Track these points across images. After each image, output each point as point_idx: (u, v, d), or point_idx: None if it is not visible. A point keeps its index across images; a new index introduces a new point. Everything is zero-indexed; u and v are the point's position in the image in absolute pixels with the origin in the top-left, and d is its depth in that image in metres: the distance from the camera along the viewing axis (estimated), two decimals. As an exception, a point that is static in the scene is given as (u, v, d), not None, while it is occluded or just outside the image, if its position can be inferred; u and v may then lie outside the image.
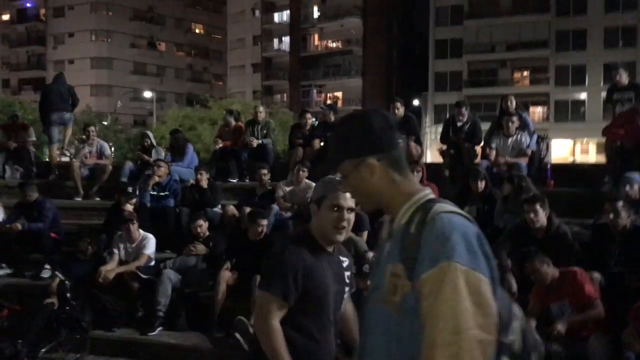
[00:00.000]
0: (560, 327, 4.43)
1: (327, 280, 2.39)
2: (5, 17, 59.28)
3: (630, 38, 38.78)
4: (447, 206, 1.41)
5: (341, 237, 2.40)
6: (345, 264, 2.57)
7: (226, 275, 6.27)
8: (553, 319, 4.57)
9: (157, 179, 8.05)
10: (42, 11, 57.96)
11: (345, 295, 2.56)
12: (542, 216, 5.27)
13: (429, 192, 1.51)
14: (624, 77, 8.01)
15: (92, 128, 9.64)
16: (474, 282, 1.29)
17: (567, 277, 4.65)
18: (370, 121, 1.51)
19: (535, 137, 8.07)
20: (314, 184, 7.66)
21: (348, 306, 2.68)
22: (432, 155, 29.83)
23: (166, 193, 8.12)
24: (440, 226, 1.34)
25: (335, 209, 2.36)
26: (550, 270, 4.69)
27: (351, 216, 2.41)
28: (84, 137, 9.76)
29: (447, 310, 1.27)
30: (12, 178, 9.64)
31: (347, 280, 2.55)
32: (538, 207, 5.27)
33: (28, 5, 58.17)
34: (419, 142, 8.69)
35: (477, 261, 1.32)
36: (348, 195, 2.34)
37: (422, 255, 1.34)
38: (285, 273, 2.32)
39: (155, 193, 8.08)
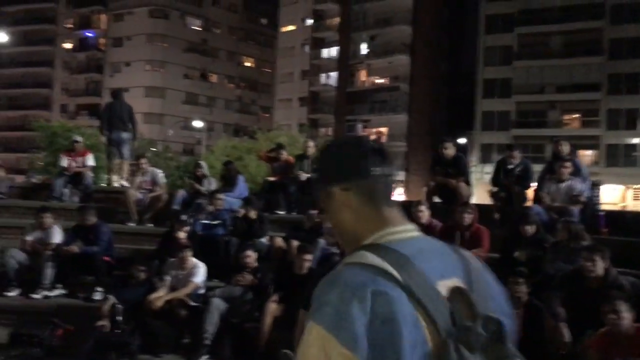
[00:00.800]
0: None
1: None
2: (68, 45, 62.05)
3: (687, 83, 37.80)
4: (366, 257, 1.21)
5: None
6: None
7: (272, 307, 6.34)
8: None
9: (214, 207, 8.28)
10: (102, 41, 60.49)
11: None
12: (600, 266, 5.17)
13: (391, 232, 1.29)
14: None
15: (143, 160, 9.96)
16: (327, 350, 1.14)
17: None
18: (340, 149, 1.40)
19: (588, 182, 7.95)
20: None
21: None
22: (478, 195, 29.43)
23: (218, 222, 8.31)
24: (325, 280, 1.21)
25: None
26: (629, 321, 4.46)
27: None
28: (134, 169, 10.11)
29: None
30: (71, 201, 10.01)
31: None
32: (597, 257, 5.17)
33: (89, 35, 60.82)
34: (468, 182, 8.66)
35: (339, 326, 1.13)
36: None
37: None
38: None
39: (207, 222, 8.28)
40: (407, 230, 1.31)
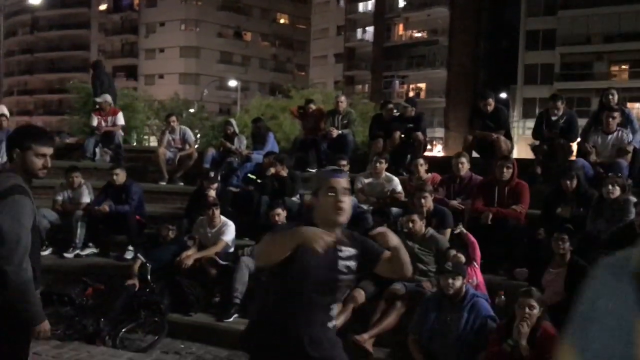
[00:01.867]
0: None
1: (313, 261, 2.43)
2: (103, 7, 62.23)
3: None
4: None
5: (342, 218, 2.51)
6: (344, 254, 2.59)
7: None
8: None
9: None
10: (137, 1, 60.41)
11: (345, 284, 2.66)
12: None
13: None
14: None
15: (172, 118, 9.83)
16: None
17: None
18: None
19: (639, 134, 7.44)
20: (394, 177, 7.45)
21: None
22: (519, 150, 28.71)
23: (254, 178, 8.15)
24: None
25: (331, 192, 2.49)
26: None
27: (347, 198, 2.53)
28: (164, 126, 9.99)
29: None
30: (102, 161, 10.00)
31: (344, 270, 2.58)
32: None
33: (124, -5, 60.89)
34: (509, 136, 8.24)
35: None
36: (343, 179, 2.54)
37: None
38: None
39: (254, 177, 8.14)
40: None
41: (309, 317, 2.56)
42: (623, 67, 40.07)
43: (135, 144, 22.96)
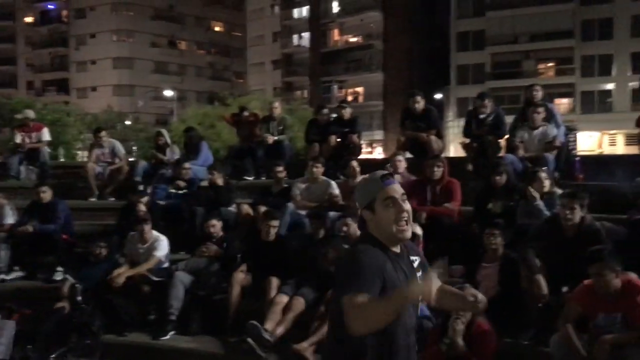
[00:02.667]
0: (608, 342, 4.09)
1: (398, 281, 2.23)
2: (29, 19, 59.99)
3: (659, 26, 37.66)
4: None
5: (408, 233, 2.27)
6: (416, 264, 2.41)
7: (240, 277, 6.08)
8: (599, 329, 4.22)
9: (182, 178, 7.92)
10: (65, 12, 58.55)
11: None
12: (577, 214, 4.93)
13: None
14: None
15: (102, 133, 9.48)
16: None
17: (628, 289, 4.18)
18: None
19: (562, 128, 7.70)
20: (331, 181, 7.42)
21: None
22: (455, 149, 29.36)
23: (184, 191, 7.97)
24: None
25: (390, 203, 2.25)
26: (615, 282, 4.17)
27: (408, 205, 2.28)
28: (93, 142, 9.65)
29: None
30: (27, 179, 9.55)
31: (420, 280, 2.29)
32: (576, 204, 4.92)
33: (50, 7, 58.80)
34: (439, 135, 8.37)
35: None
36: (397, 186, 2.30)
37: None
38: (363, 271, 2.17)
39: (174, 191, 7.94)
40: None
41: (404, 332, 2.34)
42: (549, 64, 41.71)
43: (63, 160, 22.13)
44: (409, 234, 2.27)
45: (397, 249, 2.33)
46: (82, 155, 30.29)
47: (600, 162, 8.44)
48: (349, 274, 2.19)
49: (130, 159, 10.94)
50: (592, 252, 4.29)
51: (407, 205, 2.26)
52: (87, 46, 56.81)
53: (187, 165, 8.19)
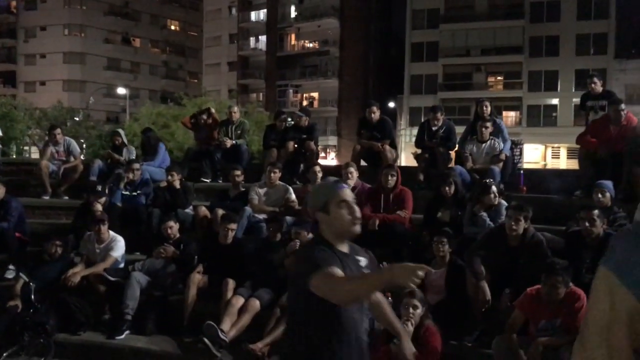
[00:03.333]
0: (542, 343, 4.43)
1: None
2: (-25, 8, 57.88)
3: (601, 45, 39.48)
4: None
5: (359, 229, 2.53)
6: (362, 263, 2.61)
7: (196, 279, 6.18)
8: (539, 333, 4.56)
9: (130, 177, 7.88)
10: (13, 3, 56.71)
11: None
12: (522, 226, 5.27)
13: None
14: (598, 86, 8.07)
15: (57, 131, 9.32)
16: (610, 290, 1.22)
17: (570, 298, 4.52)
18: None
19: (509, 143, 8.11)
20: (288, 186, 7.60)
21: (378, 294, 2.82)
22: (407, 157, 29.95)
23: (138, 192, 7.97)
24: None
25: (344, 205, 2.51)
26: (564, 292, 4.53)
27: (358, 208, 2.58)
28: (47, 137, 9.48)
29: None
30: (-23, 175, 9.33)
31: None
32: (521, 217, 5.26)
33: (-2, -4, 56.91)
34: (393, 145, 8.66)
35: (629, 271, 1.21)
36: (349, 190, 2.61)
37: None
38: (324, 258, 2.40)
39: (127, 193, 7.92)
40: None
41: (356, 332, 2.53)
42: (499, 78, 43.10)
43: (14, 155, 21.51)
44: (358, 230, 2.52)
45: (345, 249, 2.56)
46: (30, 151, 29.46)
47: (542, 176, 8.91)
48: (311, 262, 2.40)
49: (81, 157, 10.81)
50: (550, 264, 4.63)
51: (358, 208, 2.57)
52: (36, 39, 55.14)
53: (136, 165, 8.13)
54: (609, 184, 6.22)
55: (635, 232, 1.18)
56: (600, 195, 6.05)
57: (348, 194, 2.56)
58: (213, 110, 10.01)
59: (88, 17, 54.91)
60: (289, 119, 10.19)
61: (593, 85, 8.03)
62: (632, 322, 1.12)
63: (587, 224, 5.21)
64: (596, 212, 5.30)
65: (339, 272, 2.36)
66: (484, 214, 6.14)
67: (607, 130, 7.12)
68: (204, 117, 9.78)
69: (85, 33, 55.25)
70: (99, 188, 7.61)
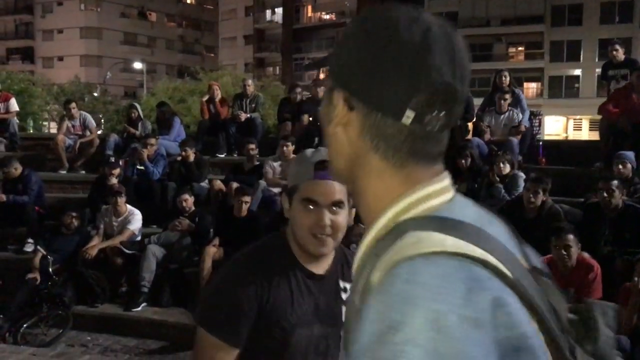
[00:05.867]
0: None
1: (295, 318, 1.52)
2: (-8, -16, 58.05)
3: (627, 13, 38.43)
4: (446, 238, 0.68)
5: (323, 249, 1.51)
6: (345, 295, 1.57)
7: (212, 251, 6.19)
8: None
9: (143, 154, 7.88)
10: (30, -21, 56.80)
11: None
12: (540, 198, 5.19)
13: (430, 189, 0.75)
14: (620, 53, 7.86)
15: (72, 105, 9.36)
16: None
17: (582, 267, 4.41)
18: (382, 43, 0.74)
19: (527, 113, 7.95)
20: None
21: None
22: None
23: (153, 167, 7.98)
24: (392, 292, 0.64)
25: (310, 205, 1.48)
26: (574, 258, 4.40)
27: (340, 217, 1.50)
28: (64, 113, 9.52)
29: None
30: (-4, 150, 9.44)
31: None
32: (540, 189, 5.18)
33: (16, -28, 56.95)
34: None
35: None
36: (330, 186, 1.47)
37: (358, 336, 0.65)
38: (234, 307, 1.49)
39: (141, 168, 7.93)
40: (449, 190, 0.77)
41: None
42: (519, 48, 42.32)
43: (32, 130, 21.71)
44: (324, 250, 1.52)
45: (316, 268, 1.57)
46: (49, 126, 29.72)
47: (561, 147, 8.76)
48: (213, 304, 1.55)
49: (99, 132, 10.85)
50: (559, 227, 4.53)
51: (336, 217, 1.49)
52: (53, 14, 55.25)
53: (152, 140, 8.11)
54: (630, 154, 6.09)
55: (422, 293, 0.63)
56: (620, 167, 5.93)
57: (325, 192, 1.47)
58: (215, 87, 9.79)
59: (104, -9, 54.84)
60: (305, 92, 10.07)
61: (615, 52, 7.81)
62: None
63: (605, 194, 5.11)
64: (615, 182, 5.19)
65: (222, 353, 1.49)
66: (500, 186, 6.04)
67: (630, 99, 6.94)
68: (207, 96, 9.55)
69: (101, 7, 55.22)
70: (113, 160, 7.63)
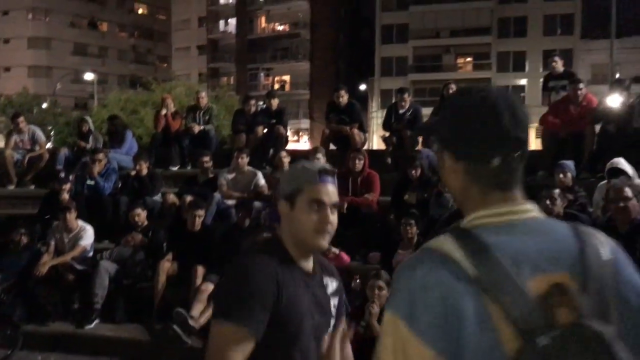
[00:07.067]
0: None
1: (303, 308, 1.74)
2: None
3: (568, 25, 40.00)
4: (446, 242, 1.09)
5: (325, 243, 1.79)
6: (331, 288, 1.89)
7: (165, 266, 6.18)
8: None
9: (95, 170, 7.78)
10: (-27, -13, 54.97)
11: (330, 329, 1.82)
12: None
13: (491, 214, 1.14)
14: (559, 65, 8.23)
15: (20, 119, 9.15)
16: (402, 340, 1.04)
17: None
18: (468, 117, 1.17)
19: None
20: (257, 171, 7.59)
21: (346, 350, 1.81)
22: (378, 141, 30.06)
23: (104, 181, 7.88)
24: (405, 263, 1.13)
25: (316, 206, 1.75)
26: None
27: (336, 217, 1.79)
28: (12, 127, 9.31)
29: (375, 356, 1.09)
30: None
31: (333, 310, 1.87)
32: None
33: (-43, -20, 55.02)
34: (362, 129, 8.72)
35: (416, 320, 1.03)
36: (332, 188, 1.78)
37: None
38: (253, 296, 1.64)
39: (92, 183, 7.82)
40: (513, 212, 1.14)
41: None
42: (468, 59, 43.42)
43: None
44: (325, 244, 1.79)
45: (307, 266, 1.82)
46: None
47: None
48: (235, 295, 1.66)
49: (49, 145, 10.63)
50: None
51: (334, 217, 1.78)
52: (-1, 24, 53.62)
53: (101, 155, 7.97)
54: (570, 163, 6.37)
55: (416, 266, 1.09)
56: (561, 175, 6.19)
57: (329, 193, 1.76)
58: (168, 100, 9.71)
59: (52, 0, 53.53)
60: (261, 102, 10.13)
61: (554, 64, 8.19)
62: None
63: (547, 202, 5.34)
64: (557, 191, 5.44)
65: (243, 343, 1.61)
66: (448, 195, 6.24)
67: (568, 110, 7.28)
68: (164, 111, 9.48)
69: (50, 17, 53.87)
70: (62, 175, 7.51)
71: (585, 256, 1.08)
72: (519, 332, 0.99)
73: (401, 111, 8.30)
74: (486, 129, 1.13)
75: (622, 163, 5.95)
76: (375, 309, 4.64)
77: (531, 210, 1.15)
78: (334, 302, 1.89)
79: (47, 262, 6.37)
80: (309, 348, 1.76)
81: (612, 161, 6.02)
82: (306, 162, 1.87)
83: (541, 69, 37.90)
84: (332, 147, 8.67)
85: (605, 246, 1.12)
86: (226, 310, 1.65)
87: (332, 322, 1.85)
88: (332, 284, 1.91)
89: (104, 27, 57.83)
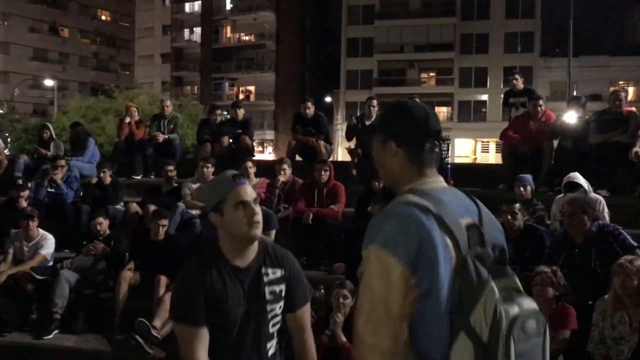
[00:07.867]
0: None
1: (232, 300, 2.15)
2: None
3: (528, 44, 41.15)
4: (412, 198, 1.60)
5: (258, 232, 2.15)
6: (268, 277, 2.23)
7: (127, 276, 6.10)
8: None
9: (55, 176, 7.64)
10: None
11: (275, 313, 2.25)
12: None
13: (426, 182, 1.68)
14: (520, 83, 8.49)
15: None
16: (384, 263, 1.51)
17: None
18: (409, 114, 1.73)
19: (437, 138, 8.37)
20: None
21: (309, 341, 2.37)
22: (343, 152, 30.23)
23: (64, 189, 7.74)
24: (384, 212, 1.61)
25: (242, 206, 2.11)
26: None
27: (259, 208, 2.17)
28: None
29: (364, 284, 1.56)
30: None
31: (270, 296, 2.22)
32: None
33: None
34: (328, 140, 8.79)
35: (396, 246, 1.51)
36: (249, 187, 2.16)
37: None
38: (190, 298, 2.12)
39: (52, 190, 7.68)
40: (436, 182, 1.70)
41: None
42: (431, 74, 44.20)
43: None
44: (259, 232, 2.16)
45: (243, 263, 2.19)
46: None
47: (469, 170, 9.27)
48: (177, 300, 2.20)
49: (6, 152, 10.39)
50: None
51: (258, 209, 2.15)
52: (-46, 26, 52.16)
53: (62, 162, 7.86)
54: (529, 177, 6.55)
55: (394, 214, 1.58)
56: (522, 189, 6.36)
57: (247, 193, 2.13)
58: (133, 108, 9.64)
59: (11, 4, 52.33)
60: (225, 112, 10.11)
61: (515, 82, 8.44)
62: (405, 288, 1.50)
63: (509, 217, 5.48)
64: (517, 205, 5.58)
65: (199, 335, 2.11)
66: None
67: (528, 126, 7.50)
68: (128, 119, 9.40)
69: (8, 21, 52.70)
70: (20, 182, 7.33)
71: (480, 210, 1.68)
72: (460, 249, 1.55)
73: (367, 122, 8.39)
74: (421, 124, 1.70)
75: (578, 177, 6.14)
76: (340, 317, 4.67)
77: (443, 181, 1.73)
78: (272, 289, 2.23)
79: (4, 271, 6.21)
80: (244, 329, 2.19)
81: (568, 175, 6.21)
82: (216, 177, 2.24)
83: (502, 85, 38.90)
84: (298, 158, 8.70)
85: (484, 207, 1.71)
86: (177, 314, 2.17)
87: (269, 306, 2.22)
88: (273, 274, 2.25)
89: (66, 32, 56.85)
